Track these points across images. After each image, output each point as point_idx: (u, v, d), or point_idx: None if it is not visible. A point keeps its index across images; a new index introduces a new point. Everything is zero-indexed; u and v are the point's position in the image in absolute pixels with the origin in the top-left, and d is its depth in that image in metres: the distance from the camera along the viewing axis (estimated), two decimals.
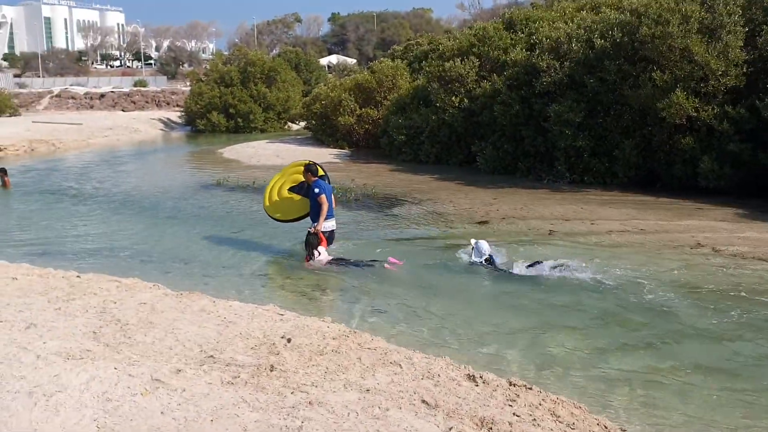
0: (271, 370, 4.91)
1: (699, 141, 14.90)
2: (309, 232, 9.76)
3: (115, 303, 6.58)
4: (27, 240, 11.65)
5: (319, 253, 9.61)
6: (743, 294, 8.08)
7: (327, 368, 5.06)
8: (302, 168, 10.57)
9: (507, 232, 11.75)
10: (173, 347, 5.37)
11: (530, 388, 5.11)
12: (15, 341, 5.28)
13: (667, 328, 7.01)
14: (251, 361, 5.09)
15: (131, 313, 6.24)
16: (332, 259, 9.66)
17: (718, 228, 11.78)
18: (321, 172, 10.37)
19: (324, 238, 9.86)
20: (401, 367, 5.21)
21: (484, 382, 5.10)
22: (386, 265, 9.45)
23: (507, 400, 4.80)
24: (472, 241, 9.65)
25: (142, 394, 4.37)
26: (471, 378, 5.17)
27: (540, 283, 8.59)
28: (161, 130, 40.83)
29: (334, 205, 10.33)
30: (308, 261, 9.58)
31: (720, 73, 14.60)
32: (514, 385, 5.14)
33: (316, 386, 4.70)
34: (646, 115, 15.85)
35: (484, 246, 9.53)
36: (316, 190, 9.94)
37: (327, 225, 10.00)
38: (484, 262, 9.28)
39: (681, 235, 11.27)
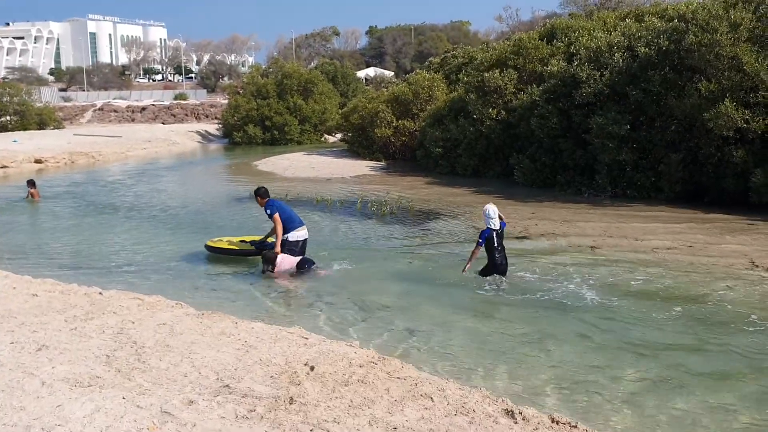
0: (291, 403, 4.52)
1: (752, 154, 14.18)
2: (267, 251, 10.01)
3: (134, 323, 6.27)
4: (58, 253, 11.53)
5: (275, 266, 9.64)
6: None
7: (351, 401, 4.65)
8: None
9: (547, 248, 11.24)
10: (188, 374, 5.02)
11: (575, 426, 4.63)
12: (22, 365, 5.00)
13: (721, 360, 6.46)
14: (270, 391, 4.71)
15: (149, 334, 5.92)
16: (295, 264, 9.78)
17: None
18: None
19: (279, 252, 9.81)
20: (433, 401, 4.77)
21: (523, 419, 4.64)
22: (321, 271, 9.69)
23: None
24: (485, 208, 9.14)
25: (148, 429, 4.02)
26: (509, 414, 4.71)
27: (572, 304, 8.08)
28: (198, 142, 41.09)
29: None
30: (268, 271, 9.66)
31: None
32: (557, 422, 4.66)
33: (338, 422, 4.29)
34: (692, 126, 15.19)
35: (492, 209, 9.00)
36: (268, 212, 10.09)
37: (299, 235, 10.13)
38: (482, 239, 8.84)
39: (733, 254, 10.62)
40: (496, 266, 8.87)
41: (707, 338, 6.95)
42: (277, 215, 9.95)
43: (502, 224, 9.07)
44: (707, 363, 6.32)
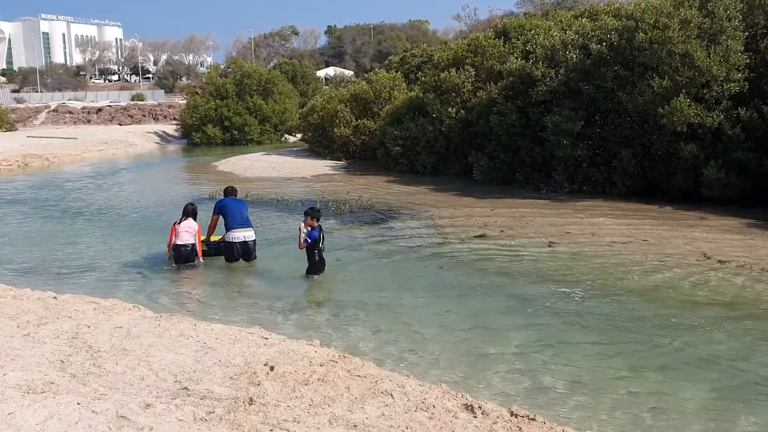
0: (250, 404, 4.50)
1: (702, 149, 14.53)
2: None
3: (89, 327, 6.16)
4: (10, 258, 11.23)
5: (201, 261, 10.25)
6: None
7: (312, 400, 4.64)
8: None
9: (506, 244, 11.36)
10: (145, 377, 4.96)
11: (533, 419, 4.71)
12: None
13: (668, 342, 6.62)
14: (229, 393, 4.68)
15: (104, 338, 5.83)
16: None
17: (724, 238, 11.40)
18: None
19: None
20: (393, 398, 4.80)
21: (483, 413, 4.69)
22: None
23: None
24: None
25: None
26: (469, 408, 4.76)
27: (531, 298, 8.20)
28: (157, 143, 40.46)
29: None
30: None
31: (722, 78, 14.25)
32: (516, 415, 4.73)
33: (299, 422, 4.29)
34: (645, 122, 15.49)
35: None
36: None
37: (235, 236, 10.30)
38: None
39: (686, 246, 10.90)
40: (315, 266, 9.34)
41: (657, 326, 7.12)
42: (214, 216, 10.54)
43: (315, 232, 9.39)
44: (666, 354, 6.48)
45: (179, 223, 10.18)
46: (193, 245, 10.20)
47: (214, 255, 10.58)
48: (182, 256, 10.11)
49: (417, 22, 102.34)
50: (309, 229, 9.28)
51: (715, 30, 14.60)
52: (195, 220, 10.32)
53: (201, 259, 10.25)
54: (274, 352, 5.60)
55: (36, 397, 4.45)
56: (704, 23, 14.67)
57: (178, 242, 10.09)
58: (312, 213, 9.42)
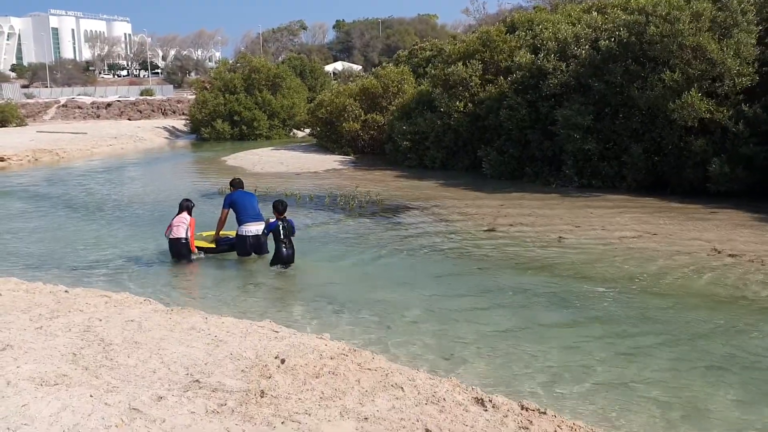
0: (262, 396, 4.52)
1: (712, 143, 14.43)
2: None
3: (101, 321, 6.20)
4: (22, 252, 11.31)
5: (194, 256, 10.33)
6: None
7: (322, 393, 4.66)
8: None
9: (515, 239, 11.34)
10: (157, 370, 4.98)
11: (544, 413, 4.70)
12: None
13: (679, 339, 6.60)
14: (240, 385, 4.70)
15: (116, 332, 5.86)
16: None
17: (734, 232, 11.34)
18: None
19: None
20: (403, 391, 4.80)
21: (493, 407, 4.69)
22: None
23: (519, 427, 4.39)
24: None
25: (116, 426, 3.98)
26: (479, 402, 4.76)
27: (540, 292, 8.18)
28: (166, 138, 40.61)
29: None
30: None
31: (735, 71, 14.13)
32: (527, 409, 4.72)
33: (310, 414, 4.30)
34: (655, 117, 15.41)
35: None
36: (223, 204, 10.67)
37: (248, 229, 10.27)
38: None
39: (696, 241, 10.85)
40: (280, 256, 9.53)
41: (669, 322, 7.10)
42: (224, 211, 10.48)
43: (291, 222, 9.74)
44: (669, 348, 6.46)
45: (174, 217, 10.31)
46: (187, 239, 10.19)
47: (227, 251, 10.60)
48: (173, 249, 10.18)
49: (425, 16, 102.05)
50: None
51: (728, 23, 14.47)
52: (190, 215, 10.30)
53: (194, 254, 10.29)
54: (285, 346, 5.62)
55: (49, 390, 4.48)
56: (718, 16, 14.55)
57: (171, 236, 10.17)
58: (273, 206, 9.73)
